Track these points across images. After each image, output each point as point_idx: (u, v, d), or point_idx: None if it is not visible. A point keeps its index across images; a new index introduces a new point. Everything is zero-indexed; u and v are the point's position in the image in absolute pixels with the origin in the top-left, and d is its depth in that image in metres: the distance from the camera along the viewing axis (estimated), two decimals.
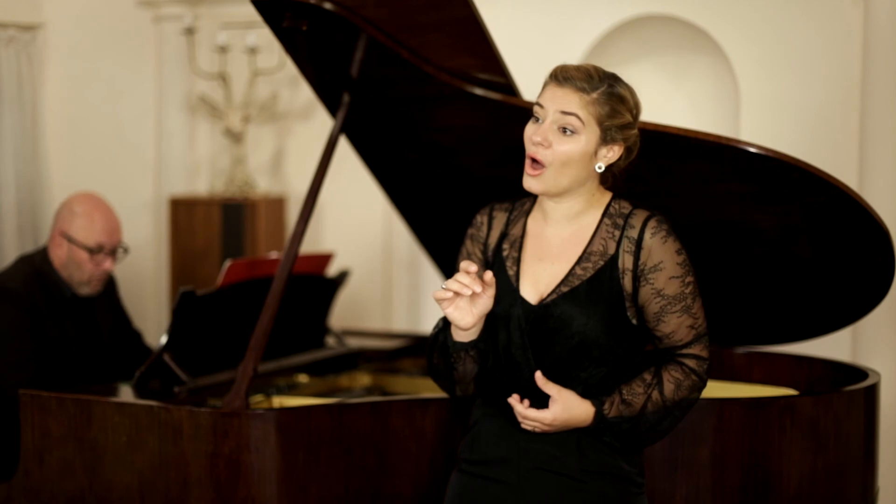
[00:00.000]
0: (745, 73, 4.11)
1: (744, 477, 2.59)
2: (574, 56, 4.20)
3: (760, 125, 4.05)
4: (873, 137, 3.87)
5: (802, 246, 2.87)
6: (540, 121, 2.10)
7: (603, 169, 2.13)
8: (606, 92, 2.08)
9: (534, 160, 2.09)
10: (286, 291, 2.77)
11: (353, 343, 3.62)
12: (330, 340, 3.60)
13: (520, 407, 2.09)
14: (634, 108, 2.14)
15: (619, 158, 2.14)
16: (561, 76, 2.09)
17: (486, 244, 2.25)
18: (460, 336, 2.10)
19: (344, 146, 3.29)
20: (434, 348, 2.21)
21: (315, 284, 3.50)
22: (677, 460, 2.57)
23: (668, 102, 4.32)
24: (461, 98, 2.76)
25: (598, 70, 2.11)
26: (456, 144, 3.01)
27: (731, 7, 4.11)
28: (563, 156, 2.07)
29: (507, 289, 2.15)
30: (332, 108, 3.06)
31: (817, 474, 2.65)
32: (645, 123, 2.61)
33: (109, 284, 3.49)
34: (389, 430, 2.63)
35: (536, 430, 2.10)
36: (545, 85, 2.12)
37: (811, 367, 3.16)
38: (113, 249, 3.30)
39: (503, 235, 2.23)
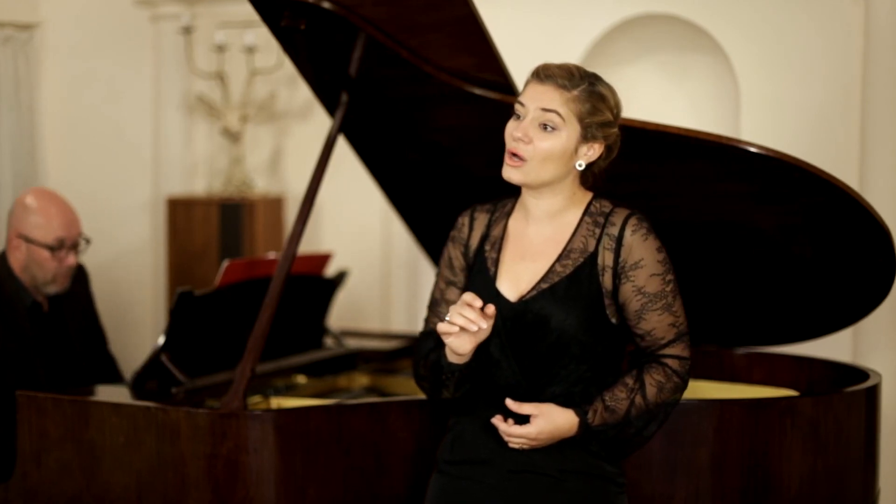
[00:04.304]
0: (745, 73, 4.10)
1: (744, 478, 2.58)
2: (574, 56, 4.19)
3: (760, 125, 4.04)
4: (874, 137, 3.86)
5: (803, 246, 2.87)
6: (521, 118, 2.11)
7: (583, 167, 2.14)
8: (587, 90, 2.10)
9: (514, 155, 2.10)
10: (284, 292, 2.76)
11: (352, 344, 3.61)
12: (328, 341, 3.59)
13: (504, 426, 2.10)
14: (615, 108, 2.15)
15: (600, 157, 2.15)
16: (542, 74, 2.11)
17: (467, 246, 2.26)
18: (455, 359, 2.09)
19: (342, 146, 3.28)
20: (424, 364, 2.22)
21: (313, 285, 3.49)
22: (677, 462, 2.56)
23: (668, 102, 4.32)
24: (461, 98, 2.76)
25: (579, 69, 2.13)
26: (456, 144, 3.00)
27: (732, 7, 4.10)
28: (544, 152, 2.08)
29: (487, 289, 2.16)
30: (331, 108, 3.06)
31: (818, 475, 2.64)
32: (645, 123, 2.61)
33: (81, 280, 3.33)
34: (388, 431, 2.62)
35: (524, 446, 2.10)
36: (527, 83, 2.14)
37: (812, 368, 3.16)
38: (74, 243, 3.14)
39: (484, 237, 2.24)
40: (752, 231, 2.86)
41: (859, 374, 2.94)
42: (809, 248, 2.87)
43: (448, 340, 2.04)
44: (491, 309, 2.02)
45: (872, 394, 2.78)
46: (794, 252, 2.89)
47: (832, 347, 3.63)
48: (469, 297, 2.01)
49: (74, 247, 3.16)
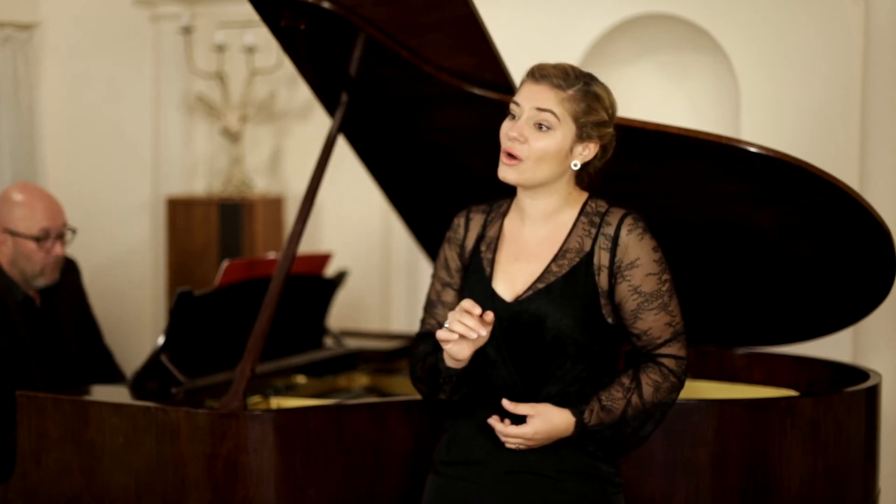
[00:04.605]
0: (745, 73, 4.10)
1: (744, 478, 2.58)
2: (574, 56, 4.19)
3: (760, 125, 4.04)
4: (874, 137, 3.86)
5: (803, 246, 2.87)
6: (516, 118, 2.11)
7: (579, 167, 2.14)
8: (582, 89, 2.10)
9: (509, 154, 2.10)
10: (284, 292, 2.76)
11: (352, 344, 3.61)
12: (328, 341, 3.59)
13: (500, 426, 2.10)
14: (610, 108, 2.15)
15: (595, 157, 2.15)
16: (538, 73, 2.11)
17: (462, 247, 2.26)
18: (453, 364, 2.10)
19: (342, 146, 3.28)
20: (421, 367, 2.22)
21: (313, 285, 3.49)
22: (677, 462, 2.56)
23: (668, 102, 4.32)
24: (461, 98, 2.76)
25: (574, 69, 2.13)
26: (456, 144, 3.00)
27: (732, 6, 4.10)
28: (539, 151, 2.08)
29: (482, 289, 2.16)
30: (331, 108, 3.05)
31: (818, 476, 2.64)
32: (645, 123, 2.61)
33: (72, 274, 3.34)
34: (388, 431, 2.62)
35: (520, 447, 2.10)
36: (522, 83, 2.15)
37: (812, 368, 3.15)
38: (60, 233, 3.16)
39: (480, 237, 2.24)
40: (752, 231, 2.86)
41: (859, 374, 2.93)
42: (809, 248, 2.86)
43: (447, 347, 2.04)
44: (490, 316, 2.02)
45: (872, 394, 2.78)
46: (794, 252, 2.88)
47: (832, 347, 3.63)
48: (468, 304, 2.00)
49: (60, 237, 3.18)
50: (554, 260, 2.14)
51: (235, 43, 4.83)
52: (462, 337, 2.01)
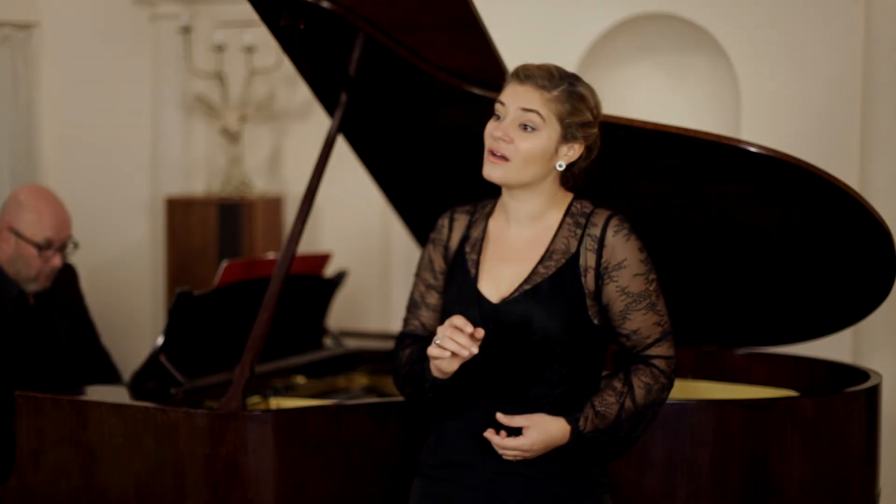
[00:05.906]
0: (745, 73, 4.10)
1: (744, 479, 2.58)
2: (574, 56, 4.19)
3: (760, 125, 4.04)
4: (874, 137, 3.86)
5: (803, 246, 2.86)
6: (501, 118, 2.11)
7: (564, 167, 2.13)
8: (567, 90, 2.10)
9: (494, 153, 2.10)
10: (283, 292, 2.75)
11: (351, 344, 3.61)
12: (327, 341, 3.59)
13: (497, 439, 2.09)
14: (595, 108, 2.15)
15: (580, 158, 2.15)
16: (522, 74, 2.11)
17: (446, 248, 2.25)
18: (440, 375, 2.09)
19: (342, 145, 3.28)
20: (406, 373, 2.21)
21: (312, 285, 3.48)
22: (678, 462, 2.56)
23: (668, 102, 4.32)
24: (460, 97, 2.75)
25: (559, 69, 2.13)
26: (455, 144, 2.99)
27: (732, 6, 4.10)
28: (525, 152, 2.08)
29: (467, 290, 2.15)
30: (330, 108, 3.05)
31: (818, 476, 2.64)
32: (645, 123, 2.61)
33: (69, 278, 3.36)
34: (387, 432, 2.61)
35: (518, 458, 2.10)
36: (506, 83, 2.14)
37: (812, 369, 3.15)
38: (62, 245, 3.18)
39: (464, 238, 2.23)
40: (752, 231, 2.86)
41: (860, 374, 2.93)
42: (810, 248, 2.86)
43: (436, 363, 2.04)
44: (480, 333, 2.01)
45: (873, 394, 2.78)
46: (794, 252, 2.88)
47: (832, 348, 3.63)
48: (460, 321, 2.00)
49: (62, 249, 3.19)
50: (541, 261, 2.13)
51: (234, 43, 4.83)
52: (453, 354, 2.01)
